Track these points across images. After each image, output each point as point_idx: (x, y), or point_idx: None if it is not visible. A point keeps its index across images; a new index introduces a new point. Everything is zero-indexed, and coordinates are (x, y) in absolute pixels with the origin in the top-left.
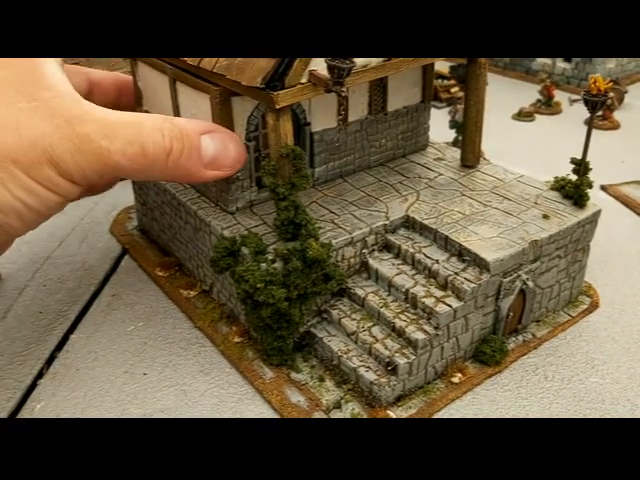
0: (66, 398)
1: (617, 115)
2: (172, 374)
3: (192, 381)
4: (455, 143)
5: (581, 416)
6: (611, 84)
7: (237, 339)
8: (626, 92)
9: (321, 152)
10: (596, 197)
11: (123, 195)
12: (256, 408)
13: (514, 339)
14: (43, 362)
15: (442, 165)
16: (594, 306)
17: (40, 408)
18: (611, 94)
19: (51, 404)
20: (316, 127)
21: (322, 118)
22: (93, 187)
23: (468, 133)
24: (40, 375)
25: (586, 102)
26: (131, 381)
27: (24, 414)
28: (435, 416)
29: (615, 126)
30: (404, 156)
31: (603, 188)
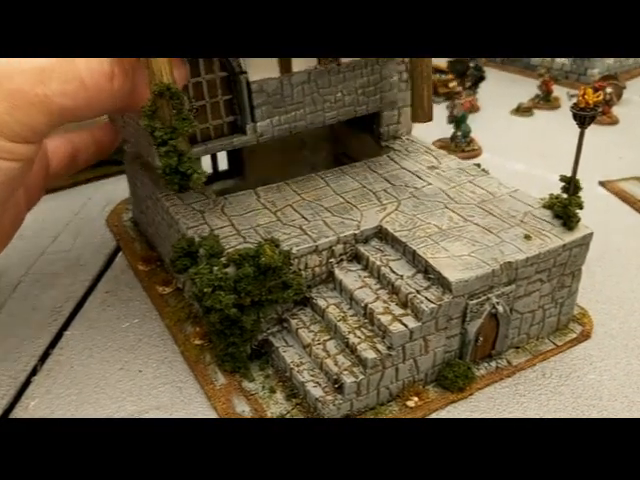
0: (60, 395)
1: (616, 110)
2: (167, 371)
3: (188, 378)
4: (453, 138)
5: (579, 412)
6: (601, 97)
7: (198, 341)
8: (625, 87)
9: (262, 104)
10: (594, 193)
11: (118, 190)
12: (198, 414)
13: (486, 365)
14: (37, 359)
15: (434, 174)
16: (585, 336)
17: (34, 405)
18: (609, 89)
19: (45, 401)
20: (254, 76)
21: (262, 65)
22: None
23: (415, 87)
24: (34, 372)
25: (574, 116)
26: (126, 378)
27: (18, 411)
28: None
29: (614, 121)
30: (368, 114)
31: (601, 184)
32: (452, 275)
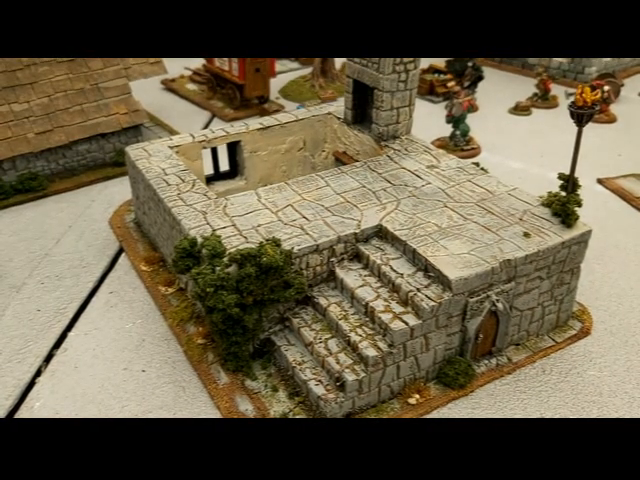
0: (65, 396)
1: (613, 108)
2: (171, 371)
3: (191, 377)
4: (452, 137)
5: (579, 408)
6: (598, 95)
7: (200, 340)
8: (622, 85)
9: None
10: (593, 190)
11: (120, 191)
12: (202, 413)
13: (486, 362)
14: (42, 360)
15: (433, 173)
16: (584, 332)
17: (39, 406)
18: (607, 87)
19: (50, 402)
20: None
21: None
22: None
23: None
24: (39, 373)
25: (572, 115)
26: (130, 378)
27: (23, 412)
28: None
29: (611, 119)
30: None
31: (600, 181)
32: (452, 273)
